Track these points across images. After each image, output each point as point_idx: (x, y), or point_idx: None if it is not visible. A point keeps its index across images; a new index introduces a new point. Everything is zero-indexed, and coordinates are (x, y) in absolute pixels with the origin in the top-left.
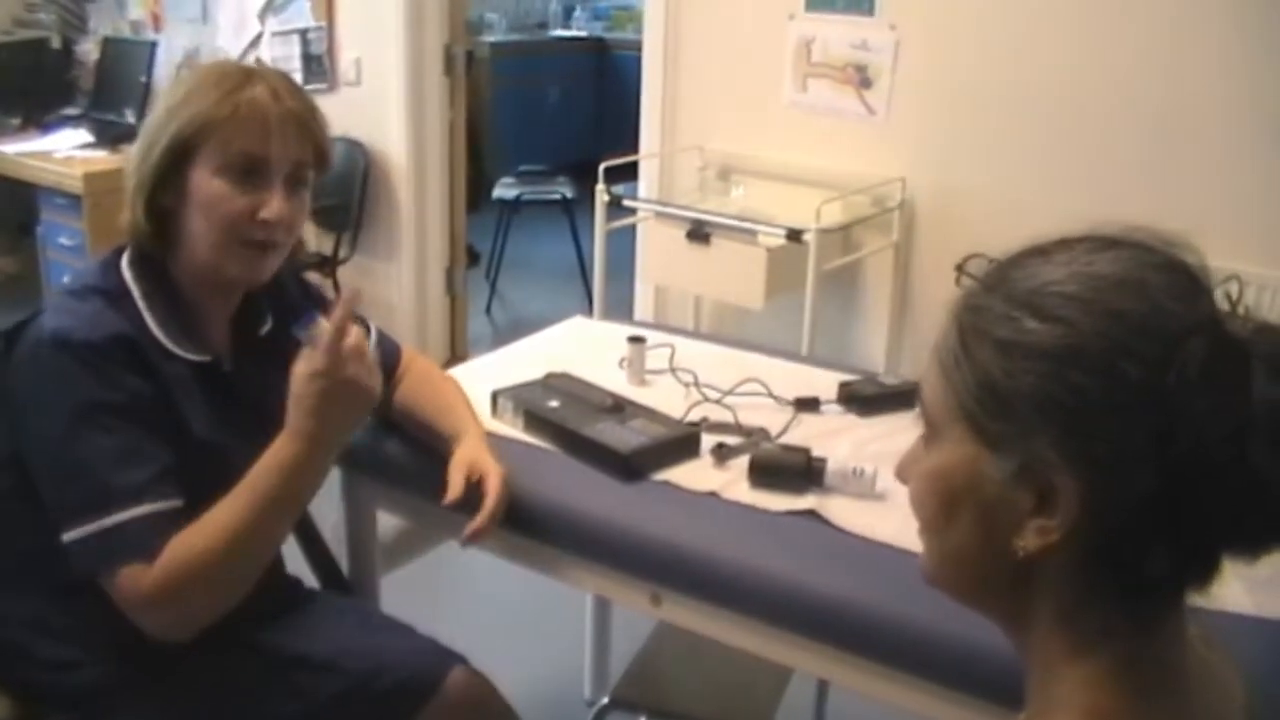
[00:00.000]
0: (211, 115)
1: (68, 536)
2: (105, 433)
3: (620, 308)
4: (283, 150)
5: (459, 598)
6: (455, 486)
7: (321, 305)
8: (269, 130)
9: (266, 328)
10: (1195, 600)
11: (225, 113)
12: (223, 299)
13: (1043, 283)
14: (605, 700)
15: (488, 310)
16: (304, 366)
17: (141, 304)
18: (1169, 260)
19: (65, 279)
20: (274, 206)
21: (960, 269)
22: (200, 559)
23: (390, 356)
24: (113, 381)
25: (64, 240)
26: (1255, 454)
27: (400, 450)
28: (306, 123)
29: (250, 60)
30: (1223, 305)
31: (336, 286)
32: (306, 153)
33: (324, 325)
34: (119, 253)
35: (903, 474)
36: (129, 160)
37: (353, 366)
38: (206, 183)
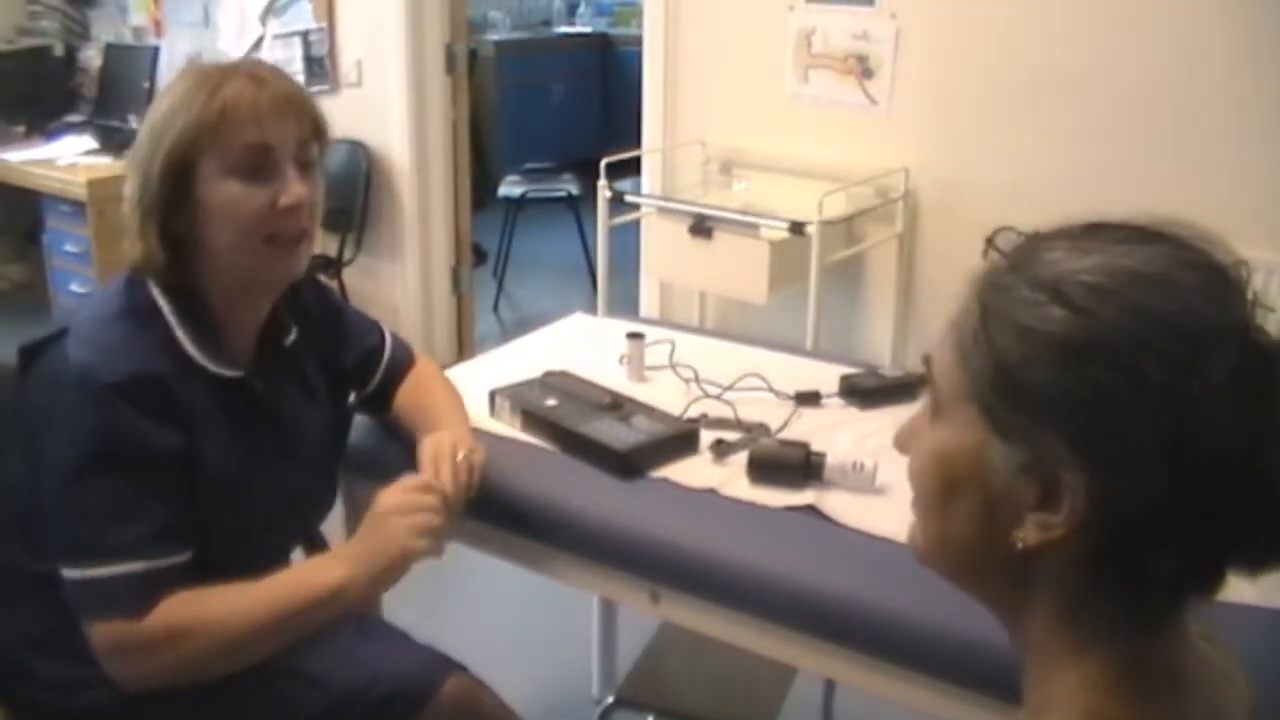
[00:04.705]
0: (200, 123)
1: (64, 573)
2: (108, 484)
3: (627, 304)
4: (282, 132)
5: (467, 597)
6: (423, 469)
7: (336, 316)
8: (263, 118)
9: (291, 339)
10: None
11: (213, 116)
12: (253, 309)
13: (1070, 270)
14: (610, 700)
15: (495, 308)
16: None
17: (172, 319)
18: (1205, 260)
19: (72, 286)
20: (292, 190)
21: (989, 242)
22: (190, 630)
23: (400, 362)
24: (126, 431)
25: (69, 248)
26: (1274, 469)
27: (401, 452)
28: (297, 100)
29: None
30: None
31: (342, 288)
32: (306, 129)
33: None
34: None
35: (903, 444)
36: (126, 196)
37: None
38: (217, 190)
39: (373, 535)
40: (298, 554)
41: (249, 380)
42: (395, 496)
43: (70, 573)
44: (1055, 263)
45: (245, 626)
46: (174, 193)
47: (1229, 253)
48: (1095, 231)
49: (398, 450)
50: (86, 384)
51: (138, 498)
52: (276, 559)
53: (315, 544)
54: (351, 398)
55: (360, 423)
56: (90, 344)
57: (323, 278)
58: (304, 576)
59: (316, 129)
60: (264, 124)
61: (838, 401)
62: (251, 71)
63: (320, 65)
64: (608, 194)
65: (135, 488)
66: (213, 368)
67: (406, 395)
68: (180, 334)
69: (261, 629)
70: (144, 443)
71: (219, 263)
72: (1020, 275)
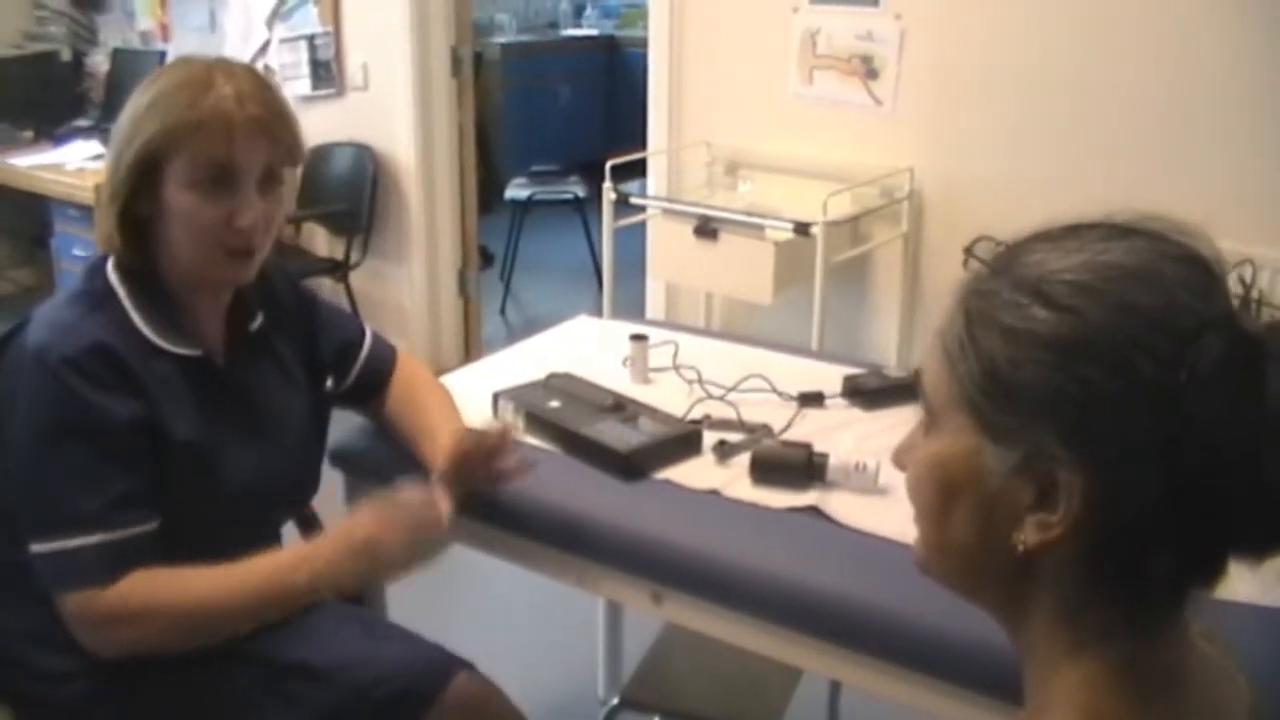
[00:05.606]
0: (176, 127)
1: (32, 549)
2: (70, 456)
3: (633, 306)
4: (249, 157)
5: (472, 598)
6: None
7: (310, 306)
8: (234, 139)
9: (256, 324)
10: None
11: (190, 123)
12: (213, 297)
13: (1052, 270)
14: (615, 700)
15: (502, 311)
16: (366, 509)
17: (127, 303)
18: (1186, 253)
19: None
20: (247, 214)
21: (968, 252)
22: (159, 611)
23: (383, 362)
24: (85, 401)
25: (78, 252)
26: (1268, 458)
27: (403, 454)
28: (272, 127)
29: (259, 68)
30: (1236, 289)
31: (349, 292)
32: (277, 154)
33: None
34: (105, 257)
35: (900, 460)
36: (105, 171)
37: (389, 535)
38: (179, 197)
39: (350, 550)
40: (292, 531)
41: (209, 359)
42: (380, 520)
43: (38, 547)
44: (1037, 264)
45: (211, 615)
46: (140, 183)
47: (1208, 244)
48: (1074, 232)
49: (398, 449)
50: (42, 360)
51: (97, 468)
52: (255, 540)
53: (310, 525)
54: (329, 383)
55: (358, 423)
56: (46, 325)
57: (329, 281)
58: (276, 572)
59: (290, 153)
60: (234, 144)
61: (841, 402)
62: (237, 85)
63: (326, 69)
64: (613, 196)
65: (95, 458)
66: (167, 346)
67: (399, 396)
68: (135, 315)
69: (227, 619)
70: (102, 413)
71: (175, 255)
72: (1002, 279)
